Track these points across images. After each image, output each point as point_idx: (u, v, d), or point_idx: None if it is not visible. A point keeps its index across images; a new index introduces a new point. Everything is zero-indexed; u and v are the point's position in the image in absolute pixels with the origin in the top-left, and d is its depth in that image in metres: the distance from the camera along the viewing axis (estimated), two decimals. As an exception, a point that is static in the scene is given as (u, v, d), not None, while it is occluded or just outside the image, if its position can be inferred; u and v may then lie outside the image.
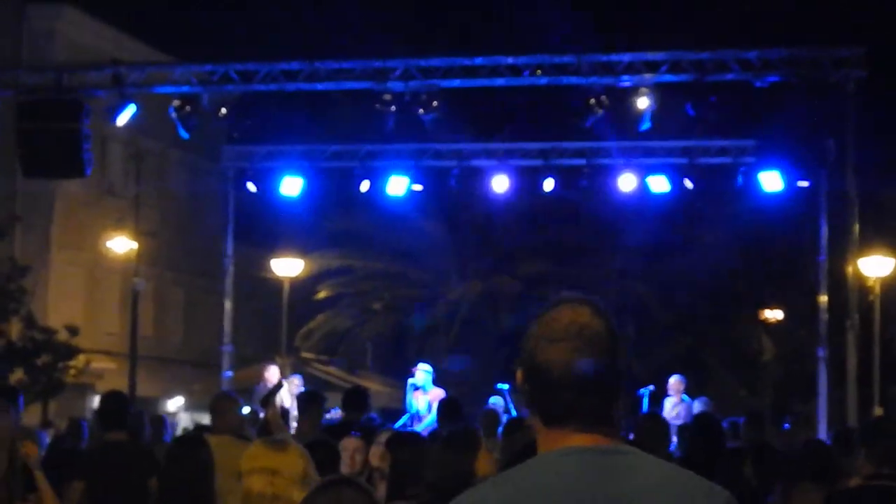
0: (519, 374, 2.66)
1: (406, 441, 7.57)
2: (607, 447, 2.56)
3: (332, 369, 34.81)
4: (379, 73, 17.86)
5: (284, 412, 13.13)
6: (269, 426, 11.28)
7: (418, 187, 21.81)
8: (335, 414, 17.88)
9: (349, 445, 7.74)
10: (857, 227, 18.08)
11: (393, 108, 17.71)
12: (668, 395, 17.89)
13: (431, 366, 18.62)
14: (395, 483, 7.06)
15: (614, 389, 2.61)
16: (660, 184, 20.68)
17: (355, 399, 11.12)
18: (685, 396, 18.03)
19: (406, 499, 6.26)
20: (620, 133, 19.99)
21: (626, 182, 20.88)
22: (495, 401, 16.89)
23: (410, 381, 18.31)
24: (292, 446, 5.09)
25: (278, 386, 13.57)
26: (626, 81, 17.32)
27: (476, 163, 22.37)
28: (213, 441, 7.22)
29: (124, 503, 7.39)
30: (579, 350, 2.55)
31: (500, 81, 18.09)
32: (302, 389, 14.67)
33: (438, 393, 16.80)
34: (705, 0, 52.71)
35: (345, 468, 7.52)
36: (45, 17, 32.71)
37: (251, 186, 22.68)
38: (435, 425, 12.96)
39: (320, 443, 8.44)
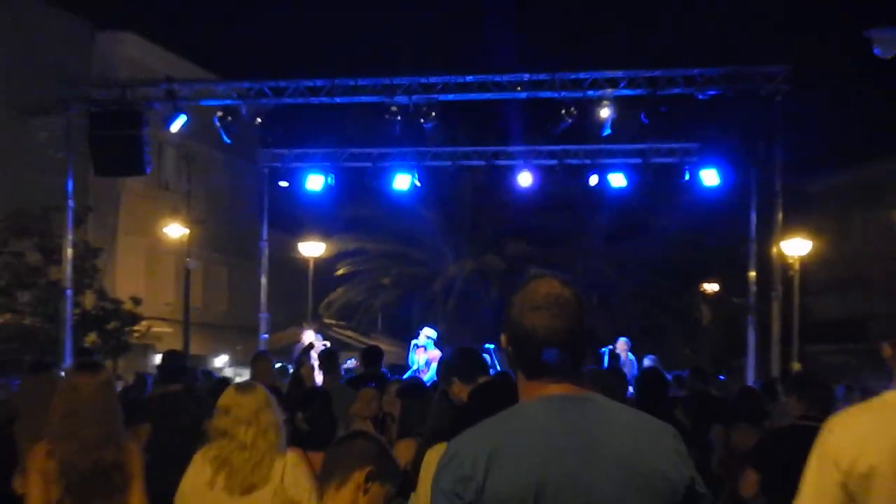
0: (503, 338, 2.67)
1: (413, 390, 7.62)
2: (578, 395, 2.59)
3: (349, 332, 34.84)
4: (387, 88, 17.84)
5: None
6: (302, 378, 11.34)
7: (419, 183, 21.82)
8: (350, 364, 17.96)
9: (366, 394, 7.78)
10: (780, 215, 18.10)
11: (399, 117, 17.71)
12: (617, 354, 17.90)
13: (434, 330, 18.75)
14: (404, 425, 7.11)
15: (582, 348, 2.63)
16: (618, 180, 20.68)
17: (372, 356, 11.16)
18: (630, 354, 18.08)
19: (412, 437, 6.32)
20: (586, 137, 19.96)
21: (591, 178, 20.93)
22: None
23: (414, 342, 18.39)
24: (254, 391, 5.01)
25: (310, 346, 13.63)
26: (591, 95, 17.33)
27: (467, 163, 22.41)
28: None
29: (182, 442, 7.43)
30: (556, 316, 2.57)
31: (487, 95, 18.06)
32: (322, 348, 14.71)
33: (436, 353, 16.88)
34: (656, 27, 52.65)
35: (363, 411, 7.57)
36: (111, 42, 32.60)
37: (282, 183, 22.75)
38: (434, 379, 13.02)
39: (317, 392, 8.49)
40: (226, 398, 4.99)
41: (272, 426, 4.88)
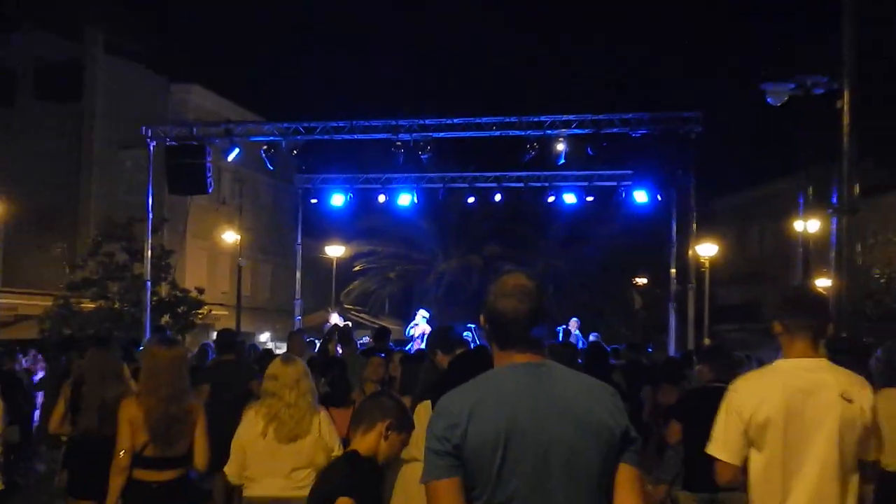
0: (482, 318, 2.66)
1: (411, 359, 7.60)
2: (539, 362, 2.57)
3: (363, 315, 34.80)
4: (393, 128, 17.80)
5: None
6: (328, 350, 11.28)
7: (417, 200, 21.79)
8: (365, 340, 17.99)
9: (375, 362, 7.75)
10: (694, 225, 18.13)
11: (402, 150, 17.68)
12: (569, 331, 17.89)
13: (428, 311, 18.74)
14: (404, 385, 7.08)
15: (542, 326, 2.61)
16: (570, 198, 20.71)
17: (381, 334, 11.16)
18: (579, 332, 18.08)
19: (409, 395, 6.29)
20: (545, 166, 19.93)
21: (549, 197, 20.94)
22: (466, 334, 16.95)
23: (413, 322, 18.43)
24: (295, 363, 5.04)
25: (335, 326, 13.59)
26: (549, 133, 17.31)
27: (454, 186, 22.39)
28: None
29: (234, 399, 7.39)
30: (521, 301, 2.56)
31: (470, 133, 18.05)
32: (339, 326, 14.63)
33: (427, 327, 16.92)
34: (601, 82, 52.94)
35: (373, 375, 7.54)
36: (181, 91, 32.54)
37: (313, 200, 22.72)
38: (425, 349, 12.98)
39: (335, 361, 8.45)
40: (273, 368, 5.04)
41: (310, 390, 4.95)
